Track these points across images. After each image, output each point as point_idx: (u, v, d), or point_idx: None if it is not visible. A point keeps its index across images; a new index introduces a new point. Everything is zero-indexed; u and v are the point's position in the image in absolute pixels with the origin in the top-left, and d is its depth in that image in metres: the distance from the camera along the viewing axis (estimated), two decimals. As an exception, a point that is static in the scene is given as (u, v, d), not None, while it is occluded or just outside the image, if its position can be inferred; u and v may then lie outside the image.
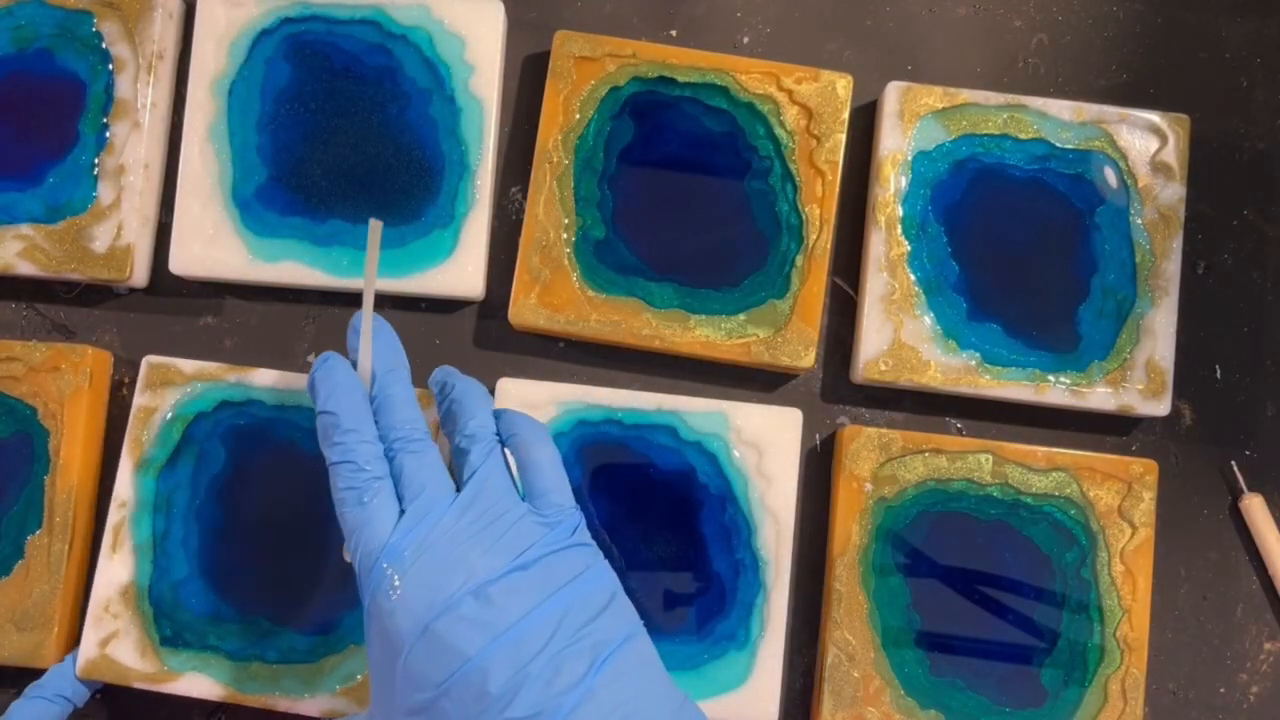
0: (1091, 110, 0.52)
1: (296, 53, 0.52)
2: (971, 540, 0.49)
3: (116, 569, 0.48)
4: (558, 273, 0.50)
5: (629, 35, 0.54)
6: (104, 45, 0.51)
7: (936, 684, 0.48)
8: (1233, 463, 0.52)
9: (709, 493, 0.49)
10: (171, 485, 0.49)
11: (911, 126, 0.51)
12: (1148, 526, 0.49)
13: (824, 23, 0.55)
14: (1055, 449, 0.50)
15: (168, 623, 0.48)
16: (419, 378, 0.52)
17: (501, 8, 0.52)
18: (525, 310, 0.50)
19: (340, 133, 0.51)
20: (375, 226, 0.43)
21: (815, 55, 0.55)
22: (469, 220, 0.51)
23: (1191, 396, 0.53)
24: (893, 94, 0.52)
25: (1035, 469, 0.50)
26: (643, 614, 0.48)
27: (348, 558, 0.40)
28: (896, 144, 0.51)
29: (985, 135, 0.52)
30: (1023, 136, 0.51)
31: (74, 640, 0.50)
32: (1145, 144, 0.52)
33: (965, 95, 0.52)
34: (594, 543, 0.41)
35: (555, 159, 0.51)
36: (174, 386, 0.49)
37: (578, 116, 0.51)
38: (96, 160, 0.51)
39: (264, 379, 0.50)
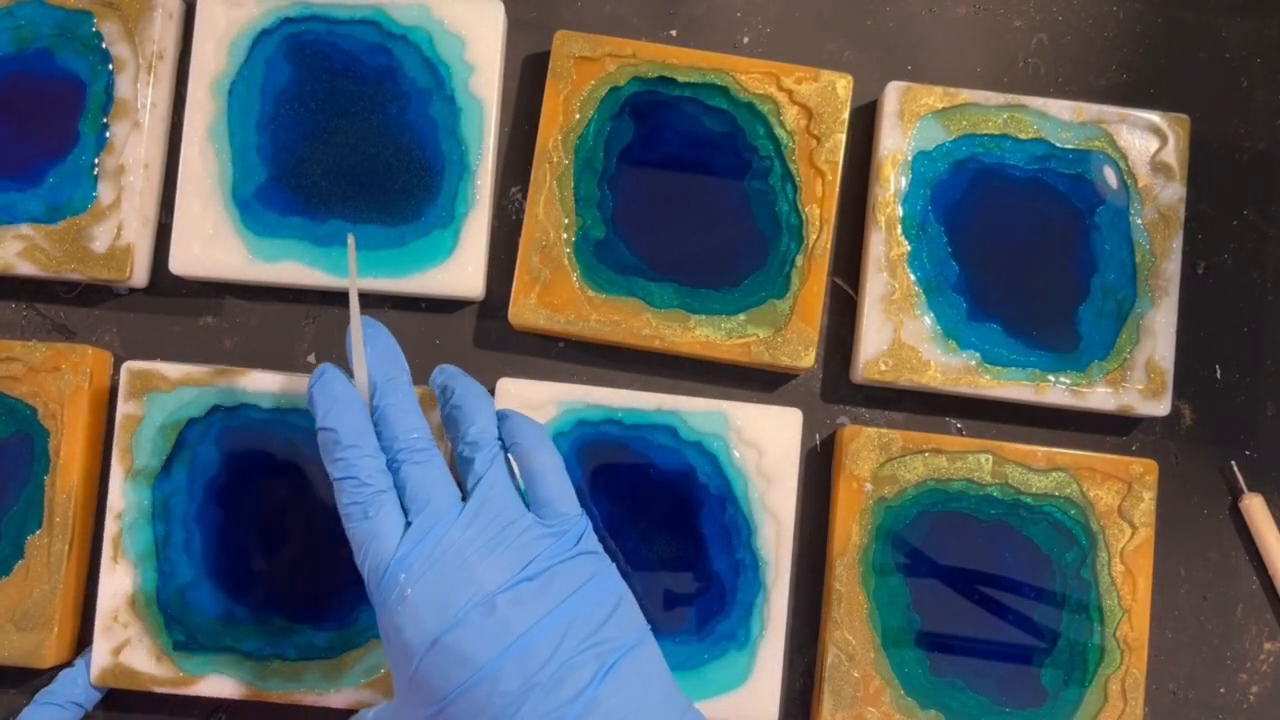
0: (1091, 110, 0.52)
1: (296, 53, 0.52)
2: (971, 540, 0.49)
3: (120, 578, 0.48)
4: (558, 273, 0.50)
5: (629, 35, 0.54)
6: (104, 45, 0.51)
7: (936, 684, 0.48)
8: (1233, 463, 0.52)
9: (709, 493, 0.49)
10: (168, 491, 0.49)
11: (911, 126, 0.51)
12: (1148, 526, 0.49)
13: (824, 23, 0.55)
14: (1055, 449, 0.50)
15: (179, 627, 0.48)
16: (419, 379, 0.52)
17: (501, 8, 0.52)
18: (525, 310, 0.50)
19: (340, 133, 0.51)
20: (351, 242, 0.44)
21: (815, 55, 0.55)
22: (469, 220, 0.51)
23: (1191, 396, 0.53)
24: (893, 94, 0.52)
25: (1035, 469, 0.50)
26: (643, 614, 0.48)
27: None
28: (896, 144, 0.51)
29: (985, 135, 0.52)
30: (1023, 136, 0.51)
31: (74, 640, 0.50)
32: (1145, 144, 0.52)
33: (965, 95, 0.52)
34: (600, 548, 0.41)
35: (555, 159, 0.51)
36: (159, 393, 0.49)
37: (578, 116, 0.51)
38: (96, 160, 0.51)
39: (255, 382, 0.49)
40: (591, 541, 0.41)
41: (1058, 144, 0.52)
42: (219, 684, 0.47)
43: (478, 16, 0.52)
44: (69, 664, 0.49)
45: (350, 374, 0.42)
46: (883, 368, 0.50)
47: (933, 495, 0.50)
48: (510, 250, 0.52)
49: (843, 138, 0.51)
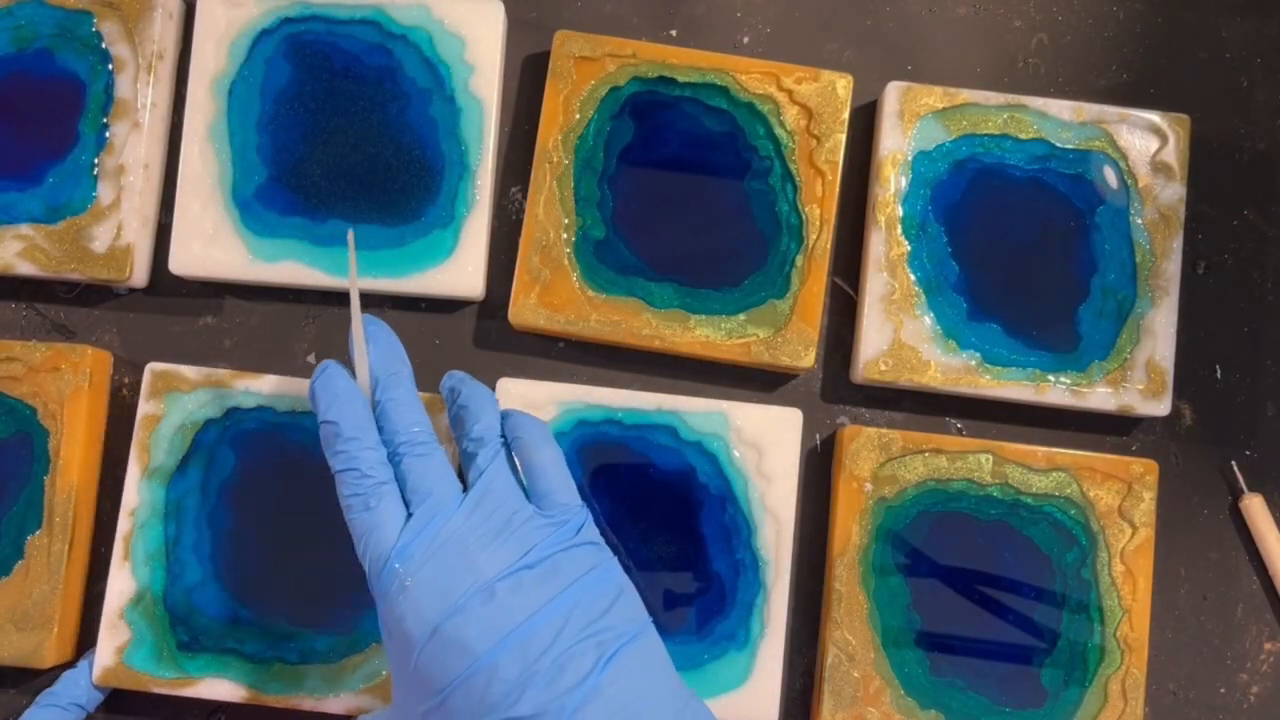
0: (1091, 110, 0.52)
1: (296, 53, 0.52)
2: (971, 540, 0.49)
3: (128, 578, 0.48)
4: (558, 273, 0.50)
5: (629, 35, 0.54)
6: (104, 45, 0.51)
7: (936, 684, 0.48)
8: (1233, 463, 0.52)
9: (709, 493, 0.49)
10: (182, 491, 0.49)
11: (911, 126, 0.51)
12: (1148, 526, 0.49)
13: (824, 23, 0.55)
14: (1055, 449, 0.50)
15: (184, 628, 0.48)
16: (420, 378, 0.52)
17: (501, 8, 0.52)
18: (525, 310, 0.50)
19: (340, 133, 0.51)
20: (351, 238, 0.45)
21: (815, 55, 0.55)
22: (469, 220, 0.51)
23: (1191, 396, 0.53)
24: (893, 94, 0.52)
25: (1035, 469, 0.50)
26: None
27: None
28: (896, 144, 0.51)
29: (985, 135, 0.52)
30: (1023, 136, 0.51)
31: (74, 641, 0.50)
32: (1145, 144, 0.52)
33: (965, 95, 0.52)
34: (601, 540, 0.41)
35: (555, 159, 0.51)
36: (179, 393, 0.49)
37: (578, 116, 0.51)
38: (96, 160, 0.51)
39: (273, 385, 0.50)
40: (592, 532, 0.41)
41: (1058, 144, 0.52)
42: (219, 685, 0.47)
43: (478, 16, 0.52)
44: (70, 664, 0.49)
45: (353, 371, 0.43)
46: (883, 368, 0.50)
47: (933, 495, 0.50)
48: (510, 250, 0.52)
49: (843, 138, 0.51)
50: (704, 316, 0.50)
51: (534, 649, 0.37)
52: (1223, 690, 0.51)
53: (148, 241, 0.52)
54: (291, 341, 0.53)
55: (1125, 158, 0.52)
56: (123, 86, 0.51)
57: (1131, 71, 0.55)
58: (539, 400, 0.49)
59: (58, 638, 0.48)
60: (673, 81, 0.51)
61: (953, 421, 0.53)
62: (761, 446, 0.49)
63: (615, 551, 0.42)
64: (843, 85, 0.51)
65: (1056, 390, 0.50)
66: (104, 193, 0.51)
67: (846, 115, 0.51)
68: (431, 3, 0.52)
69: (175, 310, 0.53)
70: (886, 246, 0.51)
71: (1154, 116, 0.52)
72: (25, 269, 0.51)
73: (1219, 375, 0.53)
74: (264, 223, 0.51)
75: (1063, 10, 0.55)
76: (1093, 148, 0.52)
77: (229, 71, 0.51)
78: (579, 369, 0.53)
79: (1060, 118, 0.52)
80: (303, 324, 0.53)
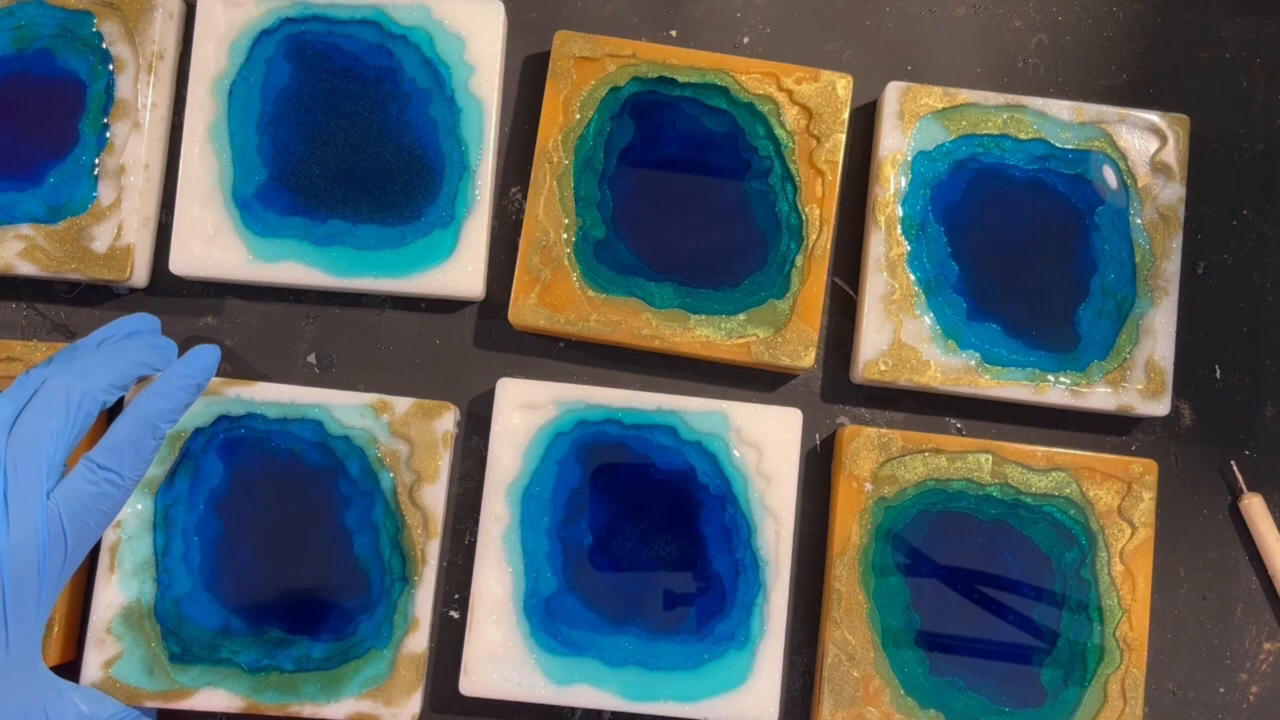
0: (1091, 110, 0.52)
1: (297, 53, 0.52)
2: (971, 540, 0.49)
3: (116, 590, 0.48)
4: (558, 273, 0.50)
5: (629, 35, 0.54)
6: (104, 45, 0.52)
7: (936, 684, 0.48)
8: (1232, 462, 0.52)
9: (709, 493, 0.49)
10: (170, 501, 0.49)
11: (911, 126, 0.51)
12: (1147, 526, 0.49)
13: (824, 23, 0.55)
14: (1055, 449, 0.50)
15: (175, 639, 0.48)
16: (420, 378, 0.52)
17: (501, 8, 0.52)
18: (525, 310, 0.50)
19: (340, 133, 0.51)
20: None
21: (815, 55, 0.55)
22: (469, 220, 0.51)
23: (1191, 396, 0.53)
24: (893, 94, 0.52)
25: (1035, 469, 0.50)
26: (643, 614, 0.48)
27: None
28: (896, 144, 0.51)
29: (985, 135, 0.52)
30: (1023, 136, 0.52)
31: (74, 641, 0.50)
32: (1145, 144, 0.52)
33: (965, 95, 0.52)
34: None
35: (555, 159, 0.51)
36: None
37: (578, 116, 0.51)
38: (97, 160, 0.51)
39: (262, 392, 0.49)
40: None
41: (1057, 144, 0.52)
42: (214, 697, 0.47)
43: (478, 16, 0.52)
44: (70, 664, 0.49)
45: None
46: (883, 368, 0.50)
47: (933, 495, 0.50)
48: (510, 250, 0.52)
49: (843, 138, 0.51)
50: (704, 316, 0.50)
51: None
52: (1222, 690, 0.51)
53: (148, 241, 0.52)
54: (291, 341, 0.53)
55: (1125, 158, 0.52)
56: (123, 87, 0.51)
57: (1131, 71, 0.55)
58: (539, 400, 0.49)
59: (57, 638, 0.48)
60: (673, 82, 0.51)
61: (953, 421, 0.53)
62: (761, 446, 0.49)
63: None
64: (843, 85, 0.51)
65: (1056, 390, 0.50)
66: (104, 193, 0.51)
67: (846, 115, 0.51)
68: (431, 3, 0.52)
69: (175, 310, 0.53)
70: (886, 246, 0.51)
71: (1153, 117, 0.52)
72: (26, 269, 0.51)
73: (1218, 375, 0.53)
74: (264, 223, 0.51)
75: (1063, 10, 0.55)
76: (1092, 148, 0.52)
77: (229, 72, 0.51)
78: (579, 369, 0.53)
79: (1060, 118, 0.52)
80: (303, 324, 0.53)
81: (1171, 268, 0.51)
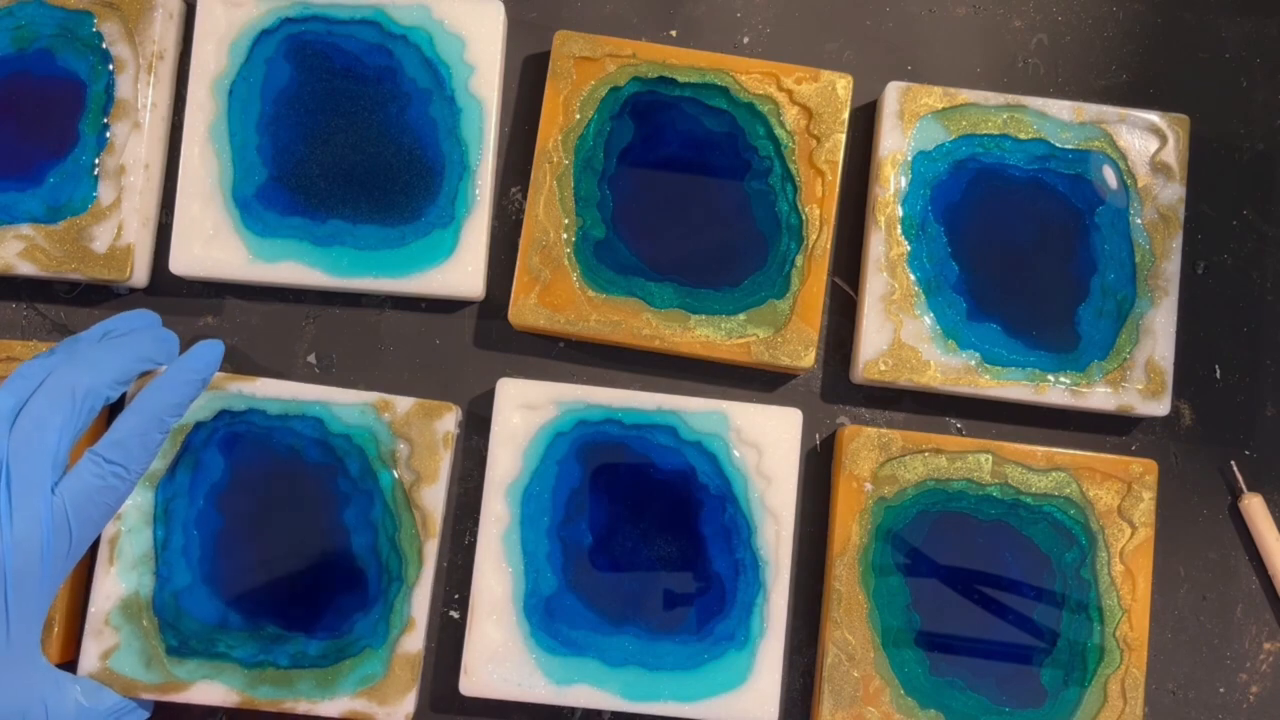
0: (1091, 110, 0.52)
1: (297, 53, 0.52)
2: (971, 540, 0.49)
3: (115, 582, 0.48)
4: (558, 273, 0.50)
5: (629, 35, 0.54)
6: (104, 45, 0.52)
7: (936, 684, 0.48)
8: (1232, 462, 0.52)
9: (709, 493, 0.49)
10: (170, 494, 0.49)
11: (911, 126, 0.51)
12: (1147, 526, 0.49)
13: (824, 23, 0.55)
14: (1055, 449, 0.50)
15: (172, 632, 0.48)
16: (420, 378, 0.52)
17: (501, 8, 0.52)
18: (525, 310, 0.50)
19: (340, 133, 0.51)
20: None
21: (815, 55, 0.55)
22: (469, 220, 0.51)
23: (1191, 396, 0.53)
24: (893, 94, 0.52)
25: (1035, 469, 0.50)
26: (643, 614, 0.48)
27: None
28: (896, 144, 0.51)
29: (985, 135, 0.52)
30: (1023, 136, 0.52)
31: (74, 640, 0.50)
32: (1145, 144, 0.52)
33: (965, 95, 0.52)
34: None
35: (555, 159, 0.51)
36: None
37: (578, 116, 0.51)
38: (97, 160, 0.51)
39: (264, 388, 0.49)
40: None
41: (1057, 144, 0.52)
42: (210, 690, 0.47)
43: (478, 16, 0.52)
44: (70, 664, 0.49)
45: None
46: (883, 368, 0.50)
47: (932, 495, 0.50)
48: (510, 250, 0.52)
49: (843, 138, 0.51)
50: (704, 316, 0.50)
51: None
52: (1222, 690, 0.51)
53: (148, 241, 0.52)
54: (291, 341, 0.53)
55: (1125, 158, 0.52)
56: (123, 87, 0.51)
57: (1131, 71, 0.55)
58: (539, 400, 0.49)
59: (58, 637, 0.48)
60: (673, 82, 0.51)
61: (952, 421, 0.53)
62: (761, 446, 0.49)
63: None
64: (843, 85, 0.51)
65: (1056, 390, 0.50)
66: (104, 193, 0.51)
67: (846, 115, 0.51)
68: (431, 3, 0.52)
69: (175, 310, 0.53)
70: (886, 246, 0.51)
71: (1153, 116, 0.52)
72: (26, 269, 0.51)
73: (1218, 375, 0.53)
74: (264, 223, 0.51)
75: (1063, 10, 0.55)
76: (1092, 148, 0.52)
77: (229, 72, 0.51)
78: (579, 369, 0.53)
79: (1060, 118, 0.52)
80: (303, 324, 0.53)
81: (1171, 268, 0.51)
